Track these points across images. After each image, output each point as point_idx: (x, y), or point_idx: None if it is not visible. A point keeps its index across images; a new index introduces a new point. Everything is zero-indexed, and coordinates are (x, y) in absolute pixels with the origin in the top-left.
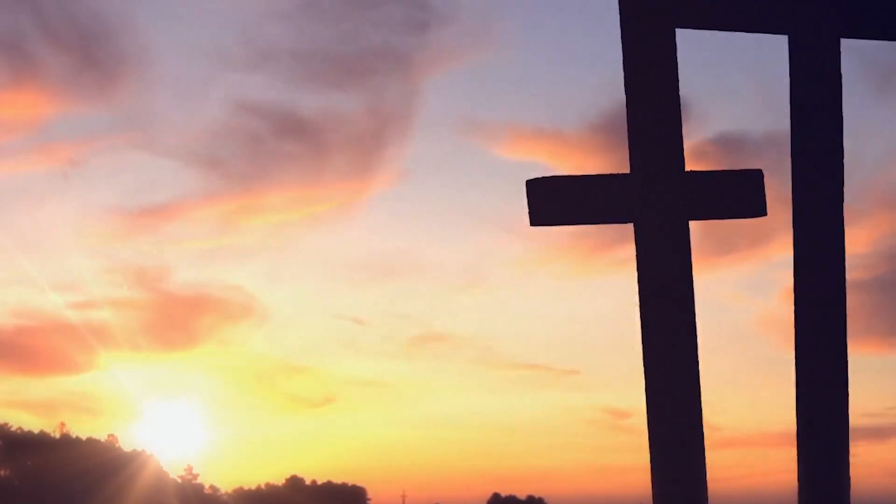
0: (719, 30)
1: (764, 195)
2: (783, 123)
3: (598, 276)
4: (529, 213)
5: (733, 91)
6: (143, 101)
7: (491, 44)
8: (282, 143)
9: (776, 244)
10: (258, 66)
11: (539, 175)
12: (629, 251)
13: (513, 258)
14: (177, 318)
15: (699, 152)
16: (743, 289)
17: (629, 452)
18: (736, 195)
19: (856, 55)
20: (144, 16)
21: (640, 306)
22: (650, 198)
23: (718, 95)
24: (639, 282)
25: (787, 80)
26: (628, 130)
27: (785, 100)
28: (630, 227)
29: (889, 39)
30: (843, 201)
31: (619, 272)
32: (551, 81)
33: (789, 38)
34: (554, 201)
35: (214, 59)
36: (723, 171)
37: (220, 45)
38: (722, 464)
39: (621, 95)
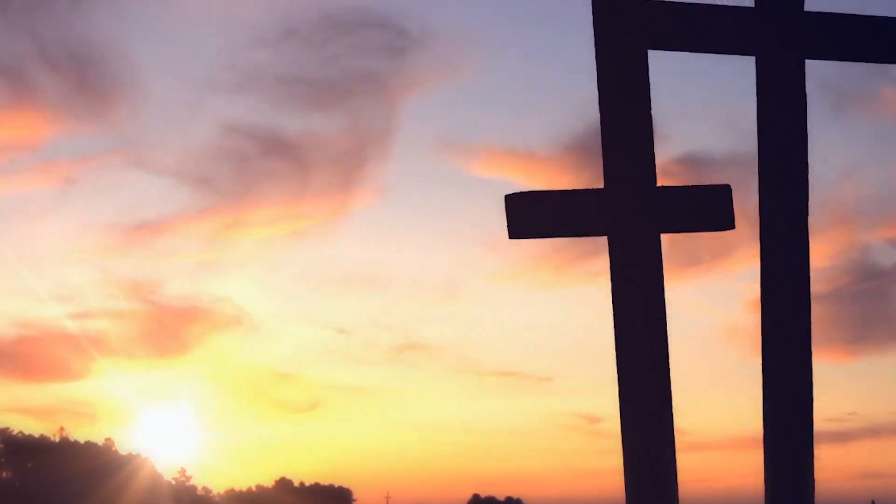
0: (690, 51)
1: (732, 209)
2: (744, 144)
3: (570, 287)
4: (508, 226)
5: (697, 113)
6: (137, 122)
7: (465, 68)
8: (268, 162)
9: (737, 258)
10: (245, 90)
11: (512, 191)
12: (599, 264)
13: (488, 271)
14: (169, 328)
15: (664, 171)
16: (707, 299)
17: (602, 455)
18: (705, 209)
19: (813, 78)
20: (137, 43)
21: (614, 316)
22: (623, 212)
23: (683, 117)
24: (612, 292)
25: (747, 102)
26: (602, 147)
27: (745, 122)
28: (602, 240)
29: (850, 60)
30: (808, 217)
31: (589, 284)
32: (523, 104)
33: (756, 59)
34: (531, 215)
35: (203, 83)
36: (693, 186)
37: (209, 70)
38: (690, 466)
39: (590, 117)
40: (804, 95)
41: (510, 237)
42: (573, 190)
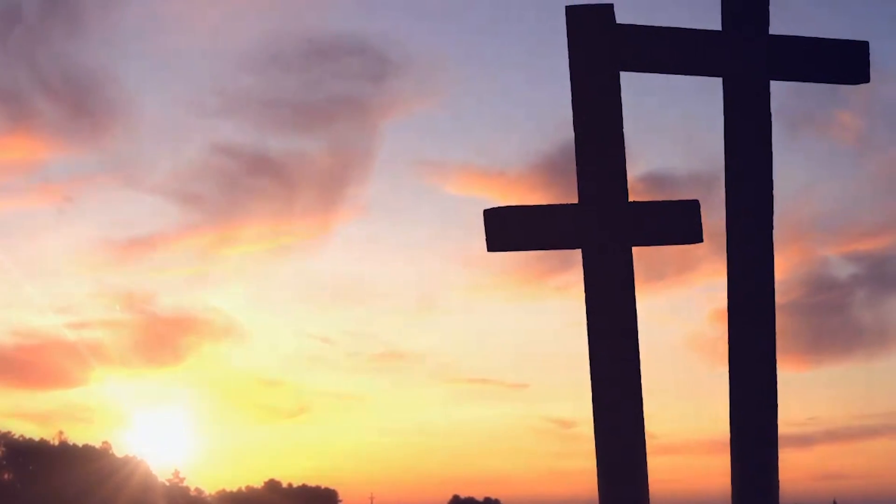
0: (660, 72)
1: (700, 224)
2: (704, 164)
3: (541, 300)
4: (487, 239)
5: (659, 133)
6: (130, 144)
7: (441, 93)
8: (254, 182)
9: (701, 272)
10: (232, 113)
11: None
12: (568, 277)
13: (464, 284)
14: (162, 338)
15: (629, 189)
16: (673, 311)
17: (575, 458)
18: (675, 224)
19: (771, 101)
20: (130, 70)
21: (588, 326)
22: (597, 226)
23: (645, 136)
24: (586, 303)
25: (707, 123)
26: (577, 164)
27: (705, 142)
28: (572, 254)
29: (813, 81)
30: (772, 232)
31: (559, 296)
32: (495, 126)
33: (723, 80)
34: (509, 229)
35: (192, 107)
36: (663, 201)
37: (198, 95)
38: (660, 468)
39: (558, 138)
40: (769, 115)
41: (489, 250)
42: (549, 205)
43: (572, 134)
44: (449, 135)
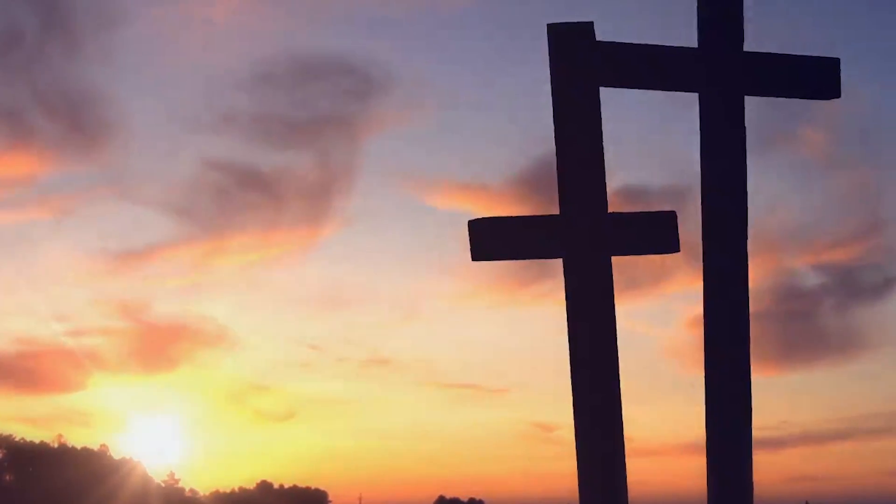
0: (638, 88)
1: (677, 234)
2: (678, 178)
3: (521, 308)
4: (471, 249)
5: (633, 148)
6: (125, 159)
7: (423, 110)
8: (244, 195)
9: (675, 281)
10: (223, 129)
11: (466, 221)
12: (547, 286)
13: (447, 293)
14: (157, 345)
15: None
16: (647, 319)
17: (555, 460)
18: (653, 234)
19: None
20: (125, 88)
21: (569, 332)
22: (578, 236)
23: (620, 151)
24: (567, 310)
25: (682, 139)
26: (558, 176)
27: (680, 157)
28: (552, 264)
29: (785, 96)
30: (747, 242)
31: (539, 304)
32: (475, 142)
33: (699, 95)
34: (493, 239)
35: (185, 123)
36: (641, 212)
37: (190, 112)
38: (639, 470)
39: (535, 153)
40: (744, 129)
41: (473, 259)
42: (531, 216)
43: (550, 149)
44: (431, 150)
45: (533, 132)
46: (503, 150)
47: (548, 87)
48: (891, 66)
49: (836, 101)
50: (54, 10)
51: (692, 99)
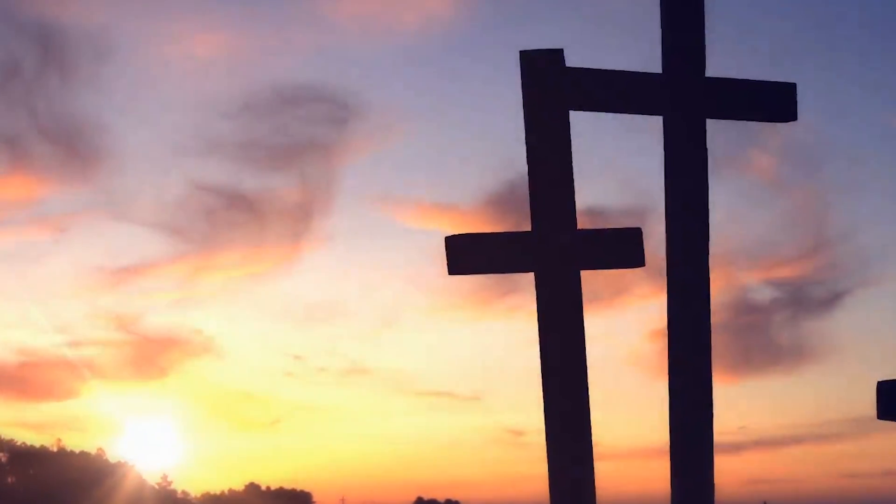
0: (606, 111)
1: (643, 250)
2: (638, 199)
3: (492, 320)
4: (448, 263)
5: (595, 170)
6: (119, 182)
7: (397, 135)
8: (230, 215)
9: (634, 295)
10: (210, 154)
11: (440, 240)
12: (517, 300)
13: (421, 306)
14: (150, 355)
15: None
16: (610, 330)
17: (525, 463)
18: (620, 250)
19: None
20: (119, 116)
21: (540, 343)
22: (549, 251)
23: (583, 173)
24: (538, 322)
25: (642, 161)
26: (530, 195)
27: (640, 179)
28: (523, 278)
29: (746, 119)
30: (708, 257)
31: (509, 318)
32: (446, 165)
33: (664, 119)
34: (468, 254)
35: (175, 149)
36: (609, 228)
37: (180, 138)
38: (606, 473)
39: (503, 176)
40: (705, 150)
41: (449, 273)
42: (505, 232)
43: (517, 171)
44: (404, 173)
45: (500, 156)
46: (472, 172)
47: (515, 113)
48: (832, 93)
49: (782, 126)
50: (52, 46)
51: (652, 123)
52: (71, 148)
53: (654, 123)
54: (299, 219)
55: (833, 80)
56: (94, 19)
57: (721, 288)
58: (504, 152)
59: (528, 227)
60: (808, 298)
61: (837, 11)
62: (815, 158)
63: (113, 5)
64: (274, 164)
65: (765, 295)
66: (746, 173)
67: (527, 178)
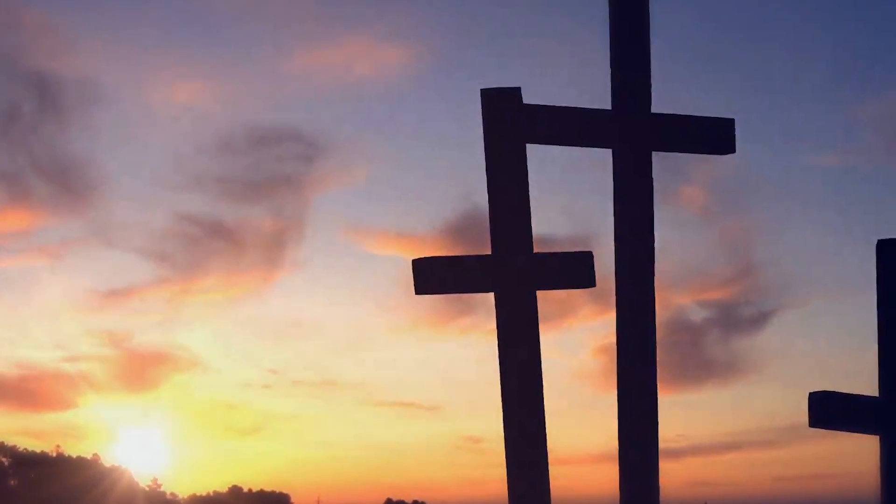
0: (560, 144)
1: (594, 271)
2: (582, 227)
3: (450, 338)
4: (415, 284)
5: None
6: (109, 214)
7: (362, 170)
8: (212, 243)
9: (580, 315)
10: (192, 188)
11: (402, 266)
12: (470, 320)
13: (386, 325)
14: (140, 369)
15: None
16: (559, 347)
17: (484, 467)
18: (573, 271)
19: None
20: (108, 155)
21: (500, 358)
22: (507, 273)
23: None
24: (498, 339)
25: (586, 192)
26: (490, 221)
27: (583, 209)
28: (483, 298)
29: (689, 152)
30: (654, 279)
31: (467, 334)
32: (407, 198)
33: (613, 152)
34: (433, 275)
35: (160, 184)
36: (563, 252)
37: (164, 174)
38: (558, 476)
39: (460, 207)
40: (651, 180)
41: (416, 293)
42: (467, 255)
43: (472, 203)
44: (369, 204)
45: (455, 189)
46: (431, 204)
47: (471, 149)
48: (754, 128)
49: (713, 162)
50: (48, 93)
51: (599, 157)
52: (65, 183)
53: (601, 156)
54: (274, 246)
55: (763, 119)
56: (85, 70)
57: (659, 309)
58: (459, 186)
59: (484, 252)
60: (737, 318)
61: (771, 56)
62: (740, 190)
63: (102, 57)
64: (249, 198)
65: (698, 315)
66: (678, 205)
67: (482, 208)
